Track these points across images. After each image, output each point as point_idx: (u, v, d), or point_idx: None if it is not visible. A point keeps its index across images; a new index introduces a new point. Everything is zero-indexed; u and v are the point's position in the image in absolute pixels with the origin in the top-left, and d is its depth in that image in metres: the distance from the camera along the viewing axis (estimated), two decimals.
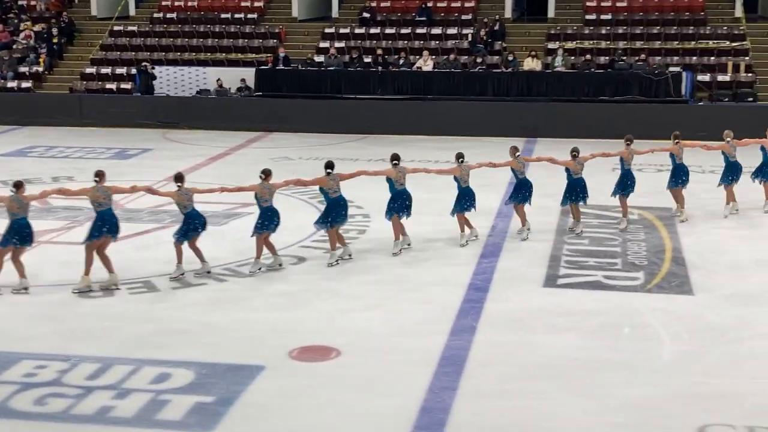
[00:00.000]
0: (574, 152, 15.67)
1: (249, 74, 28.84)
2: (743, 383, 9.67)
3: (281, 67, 28.86)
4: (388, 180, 14.61)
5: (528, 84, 27.14)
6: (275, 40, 30.91)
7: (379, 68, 28.39)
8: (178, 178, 13.42)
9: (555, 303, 12.38)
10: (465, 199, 15.03)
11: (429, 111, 26.63)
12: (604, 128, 24.39)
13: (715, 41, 28.26)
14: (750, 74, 26.99)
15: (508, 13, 30.74)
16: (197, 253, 13.36)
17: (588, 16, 30.03)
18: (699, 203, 17.45)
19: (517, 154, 15.56)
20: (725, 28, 28.74)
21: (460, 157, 15.16)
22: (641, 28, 29.21)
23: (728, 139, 16.98)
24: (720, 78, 26.89)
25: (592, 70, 27.39)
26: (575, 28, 29.70)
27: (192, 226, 13.19)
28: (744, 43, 27.99)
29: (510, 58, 28.14)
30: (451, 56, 28.43)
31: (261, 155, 23.66)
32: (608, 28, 29.43)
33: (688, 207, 16.85)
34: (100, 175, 12.84)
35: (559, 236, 15.67)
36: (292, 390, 9.46)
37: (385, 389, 9.50)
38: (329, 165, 14.01)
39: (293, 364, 10.30)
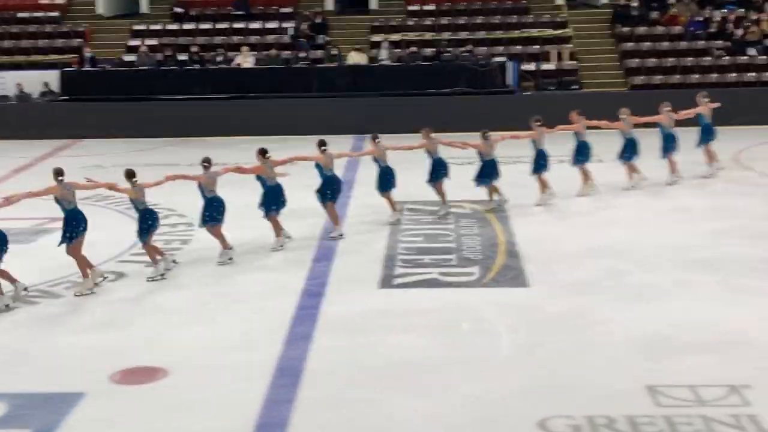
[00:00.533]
0: (485, 134, 17.10)
1: (53, 77, 27.90)
2: (581, 373, 9.98)
3: (88, 68, 28.10)
4: (318, 166, 15.34)
5: (354, 79, 27.32)
6: (80, 40, 30.08)
7: (196, 66, 28.01)
8: (130, 174, 13.55)
9: (392, 304, 12.48)
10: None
11: (252, 110, 26.45)
12: (433, 121, 24.72)
13: (538, 30, 29.17)
14: (573, 62, 28.03)
15: (329, 6, 30.91)
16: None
17: (411, 7, 30.51)
18: (532, 192, 17.93)
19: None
20: (547, 16, 29.76)
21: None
22: (465, 18, 29.87)
23: (624, 116, 18.41)
24: (544, 67, 27.80)
25: (419, 62, 27.80)
26: (399, 20, 30.12)
27: (149, 223, 13.57)
28: (566, 30, 29.03)
29: (334, 52, 28.30)
30: (273, 52, 28.33)
31: (71, 164, 22.86)
32: (432, 19, 29.98)
33: (523, 196, 17.46)
34: (61, 173, 13.02)
35: (393, 235, 15.82)
36: (115, 416, 9.17)
37: (218, 409, 9.33)
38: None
39: (116, 388, 9.94)
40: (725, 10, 29.05)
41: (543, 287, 12.99)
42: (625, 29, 28.96)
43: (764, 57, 27.67)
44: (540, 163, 17.59)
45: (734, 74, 27.44)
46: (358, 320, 11.84)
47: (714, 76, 27.37)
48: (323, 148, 15.53)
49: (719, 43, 28.26)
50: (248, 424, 8.93)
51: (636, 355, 10.44)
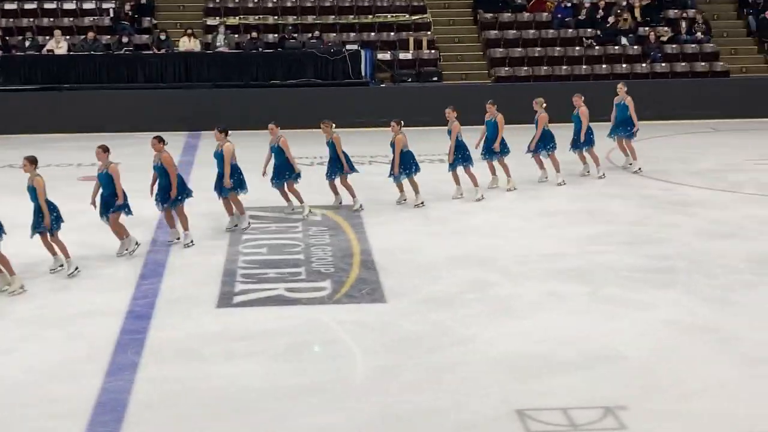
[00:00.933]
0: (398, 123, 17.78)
1: None
2: (446, 398, 10.02)
3: None
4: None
5: (186, 67, 26.97)
6: None
7: None
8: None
9: (231, 325, 12.18)
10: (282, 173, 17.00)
11: (67, 103, 25.84)
12: (278, 115, 24.78)
13: (394, 14, 29.35)
14: (433, 51, 28.31)
15: None
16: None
17: None
18: (386, 198, 18.08)
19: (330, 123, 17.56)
20: (404, 1, 29.88)
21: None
22: (312, 0, 29.77)
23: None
24: (402, 56, 27.99)
25: (260, 49, 27.65)
26: (237, 1, 29.82)
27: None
28: (425, 16, 29.31)
29: (162, 37, 27.86)
30: (90, 35, 27.69)
31: None
32: (275, 1, 29.79)
33: (380, 199, 17.63)
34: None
35: (233, 245, 15.60)
36: None
37: None
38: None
39: None
40: None
41: (402, 302, 12.95)
42: (489, 15, 29.47)
43: (637, 47, 28.56)
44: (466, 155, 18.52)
45: (605, 65, 28.22)
46: (192, 345, 11.52)
47: (584, 68, 28.12)
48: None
49: (589, 31, 29.04)
50: None
51: (503, 375, 10.52)
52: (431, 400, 10.00)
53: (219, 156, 16.17)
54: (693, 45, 28.74)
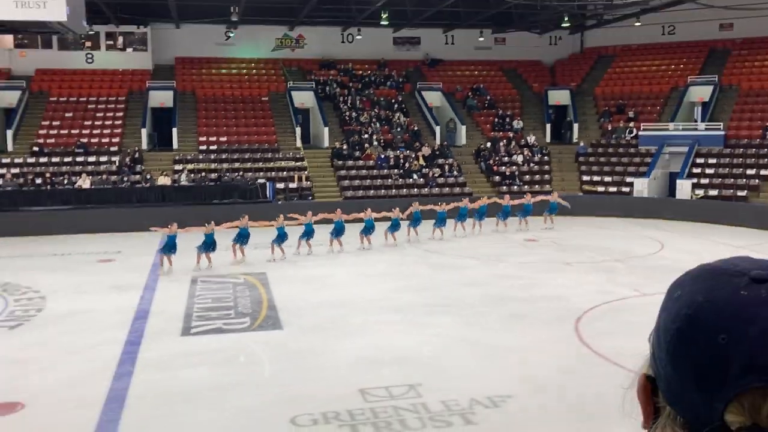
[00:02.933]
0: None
1: None
2: (317, 385, 9.92)
3: None
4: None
5: (162, 194, 26.32)
6: None
7: (48, 187, 26.02)
8: None
9: (190, 347, 11.85)
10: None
11: (90, 216, 24.82)
12: (218, 219, 24.48)
13: (285, 161, 29.43)
14: (308, 182, 28.43)
15: (144, 146, 29.68)
16: None
17: (201, 147, 29.88)
18: (284, 267, 17.91)
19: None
20: (291, 152, 30.04)
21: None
22: (238, 154, 29.62)
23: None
24: (291, 185, 27.99)
25: (207, 183, 27.21)
26: (193, 154, 29.41)
27: None
28: (303, 163, 29.45)
29: (148, 176, 27.18)
30: (104, 177, 26.82)
31: None
32: (216, 154, 29.50)
33: (292, 270, 17.35)
34: None
35: (190, 299, 15.15)
36: None
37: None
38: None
39: None
40: (398, 152, 30.54)
41: (292, 329, 12.84)
42: (340, 162, 29.82)
43: (422, 179, 29.30)
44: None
45: (404, 189, 28.83)
46: (166, 360, 11.18)
47: (393, 191, 28.61)
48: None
49: (395, 171, 29.66)
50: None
51: (352, 370, 10.51)
52: (311, 386, 9.90)
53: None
54: (451, 178, 29.58)
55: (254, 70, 34.52)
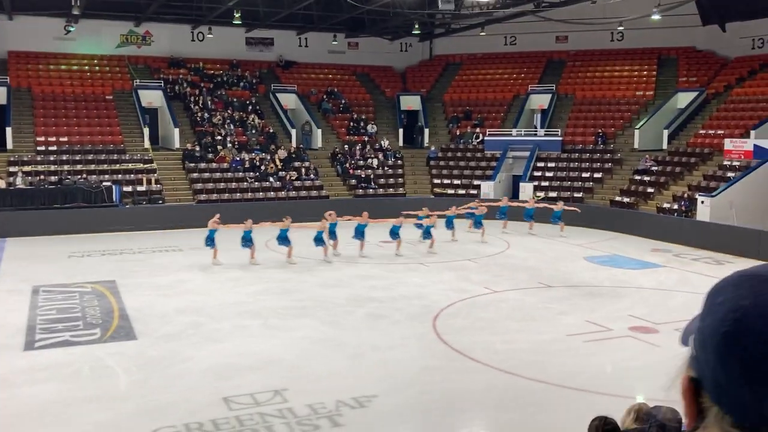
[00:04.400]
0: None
1: None
2: (177, 395, 9.57)
3: None
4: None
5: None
6: None
7: None
8: None
9: (35, 362, 11.01)
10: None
11: None
12: (59, 228, 22.99)
13: (133, 163, 28.09)
14: (158, 185, 27.30)
15: None
16: None
17: (39, 147, 27.83)
18: (131, 276, 17.08)
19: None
20: (138, 155, 28.70)
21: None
22: (80, 155, 27.86)
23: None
24: (139, 188, 26.75)
25: (46, 186, 25.36)
26: (30, 155, 27.31)
27: None
28: (153, 165, 28.26)
29: None
30: None
31: None
32: (56, 155, 27.59)
33: (142, 277, 16.50)
34: None
35: (32, 310, 14.06)
36: None
37: None
38: None
39: None
40: (253, 154, 30.03)
41: (146, 339, 12.27)
42: (192, 164, 28.88)
43: (279, 183, 28.99)
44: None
45: (260, 193, 28.43)
46: (8, 377, 10.28)
47: (249, 194, 28.13)
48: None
49: (251, 174, 29.17)
50: None
51: (213, 378, 10.23)
52: (171, 396, 9.54)
53: None
54: (308, 181, 29.53)
55: (97, 67, 32.64)
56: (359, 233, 20.27)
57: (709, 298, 0.83)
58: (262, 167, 29.40)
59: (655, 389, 10.16)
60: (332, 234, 20.18)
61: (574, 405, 9.22)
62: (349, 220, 21.06)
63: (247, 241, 18.93)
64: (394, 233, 20.59)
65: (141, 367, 10.81)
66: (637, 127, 29.92)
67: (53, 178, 25.94)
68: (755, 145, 24.32)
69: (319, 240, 19.48)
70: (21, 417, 8.84)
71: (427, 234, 21.23)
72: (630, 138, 30.12)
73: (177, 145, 29.69)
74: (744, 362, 0.75)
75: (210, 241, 18.60)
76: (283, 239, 19.20)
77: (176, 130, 29.81)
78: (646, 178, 27.43)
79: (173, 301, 15.03)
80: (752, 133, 25.30)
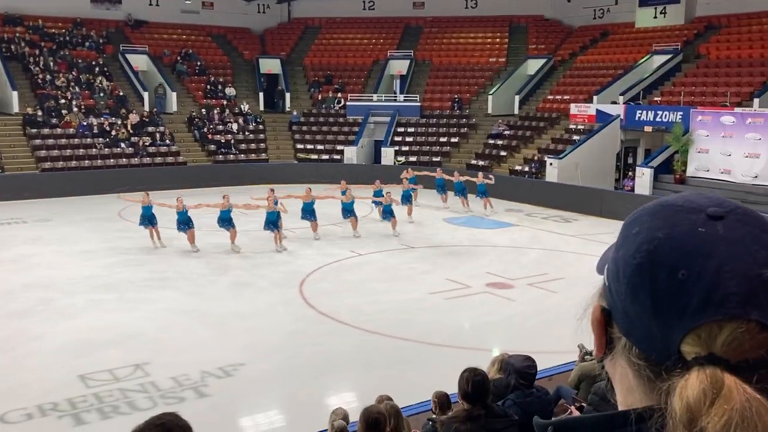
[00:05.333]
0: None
1: None
2: (28, 376, 9.00)
3: None
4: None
5: None
6: None
7: None
8: None
9: None
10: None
11: None
12: None
13: None
14: None
15: None
16: None
17: None
18: None
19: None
20: None
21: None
22: None
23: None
24: None
25: None
26: None
27: None
28: None
29: None
30: None
31: None
32: None
33: None
34: None
35: None
36: None
37: None
38: None
39: None
40: (102, 119, 28.24)
41: None
42: (34, 130, 26.75)
43: (131, 149, 27.56)
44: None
45: (111, 159, 26.90)
46: None
47: (99, 161, 26.54)
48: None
49: (100, 140, 27.48)
50: None
51: (68, 356, 9.68)
52: (20, 377, 8.96)
53: None
54: (163, 147, 28.28)
55: None
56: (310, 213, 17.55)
57: (625, 227, 0.82)
58: (113, 132, 27.81)
59: (510, 341, 10.74)
60: (347, 212, 17.93)
61: (439, 360, 9.55)
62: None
63: (182, 224, 16.00)
64: (348, 211, 18.07)
65: None
66: (491, 93, 31.03)
67: None
68: (597, 110, 25.98)
69: (272, 223, 16.37)
70: None
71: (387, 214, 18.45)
72: (484, 104, 31.22)
73: (16, 109, 27.39)
74: (655, 295, 0.75)
75: (226, 222, 16.02)
76: (225, 221, 16.28)
77: (14, 93, 27.46)
78: (500, 142, 28.61)
79: (18, 276, 13.98)
80: (595, 98, 26.96)
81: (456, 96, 31.82)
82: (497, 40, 34.69)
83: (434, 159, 29.08)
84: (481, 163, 27.80)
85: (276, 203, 16.48)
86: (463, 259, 15.88)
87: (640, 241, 0.78)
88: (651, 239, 0.77)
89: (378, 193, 19.80)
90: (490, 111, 30.69)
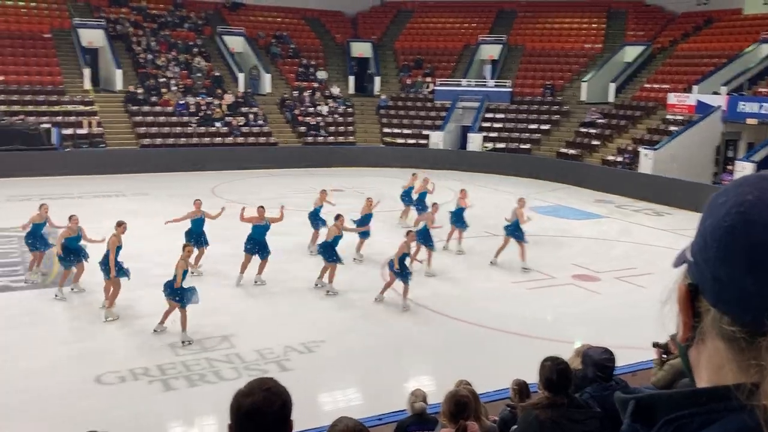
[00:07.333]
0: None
1: None
2: (122, 341, 9.46)
3: None
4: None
5: None
6: None
7: None
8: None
9: None
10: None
11: None
12: None
13: (72, 105, 27.08)
14: (99, 128, 26.47)
15: None
16: None
17: None
18: None
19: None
20: (79, 96, 27.65)
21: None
22: (17, 95, 26.64)
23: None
24: (79, 131, 25.88)
25: None
26: None
27: None
28: (94, 107, 27.33)
29: None
30: None
31: None
32: None
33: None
34: None
35: None
36: None
37: None
38: None
39: None
40: (199, 98, 29.24)
41: (90, 285, 11.93)
42: (135, 107, 27.97)
43: (226, 128, 28.41)
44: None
45: (206, 138, 27.82)
46: None
47: (194, 140, 27.52)
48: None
49: (195, 118, 28.46)
50: None
51: (158, 323, 10.09)
52: (114, 341, 9.32)
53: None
54: (256, 128, 29.00)
55: (33, 3, 31.07)
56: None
57: (710, 202, 0.84)
58: (208, 112, 28.73)
59: (593, 334, 10.49)
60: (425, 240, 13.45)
61: (516, 349, 9.45)
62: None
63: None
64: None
65: (84, 312, 10.62)
66: (585, 79, 30.20)
67: None
68: (698, 100, 24.86)
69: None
70: None
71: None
72: (577, 90, 30.41)
73: (119, 87, 28.70)
74: (751, 251, 0.76)
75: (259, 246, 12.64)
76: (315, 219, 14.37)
77: (119, 72, 28.77)
78: (592, 131, 27.84)
79: None
80: (695, 88, 25.81)
81: (548, 82, 31.15)
82: (594, 25, 33.68)
83: (523, 146, 28.62)
84: (572, 151, 27.16)
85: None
86: (548, 249, 15.60)
87: (729, 205, 0.79)
88: (741, 202, 0.78)
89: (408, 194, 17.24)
90: (583, 98, 29.90)
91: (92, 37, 29.85)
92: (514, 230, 14.20)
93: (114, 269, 10.39)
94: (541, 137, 29.09)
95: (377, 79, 33.56)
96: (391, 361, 9.18)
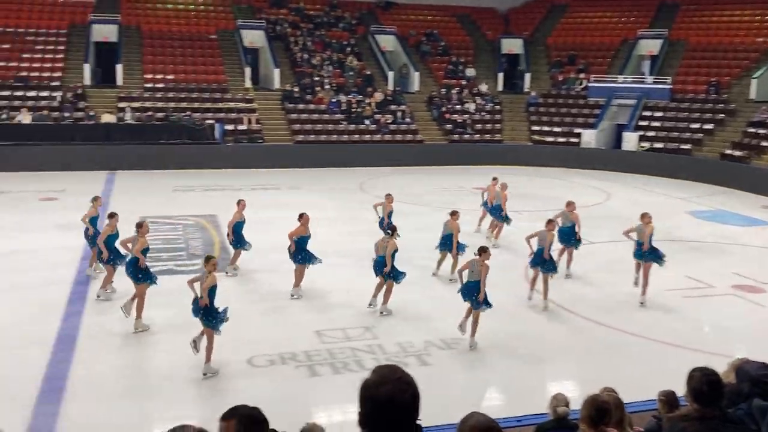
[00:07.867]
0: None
1: None
2: (273, 327, 9.93)
3: None
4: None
5: (107, 132, 25.50)
6: None
7: None
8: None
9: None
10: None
11: (30, 153, 23.87)
12: (165, 163, 24.10)
13: (234, 102, 28.79)
14: (258, 125, 27.94)
15: (87, 81, 28.46)
16: None
17: (147, 84, 28.87)
18: None
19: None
20: (240, 94, 29.32)
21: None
22: (185, 93, 28.75)
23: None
24: (240, 127, 27.46)
25: (153, 122, 26.41)
26: (138, 92, 28.40)
27: None
28: (253, 105, 28.88)
29: (91, 113, 26.26)
30: (45, 112, 25.77)
31: None
32: (162, 92, 28.56)
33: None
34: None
35: None
36: None
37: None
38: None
39: None
40: (350, 96, 30.10)
41: (244, 272, 12.73)
42: (290, 105, 29.29)
43: (374, 126, 29.08)
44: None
45: (356, 135, 28.59)
46: (116, 300, 10.89)
47: (345, 137, 28.37)
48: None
49: (346, 116, 29.28)
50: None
51: (307, 312, 10.58)
52: (265, 326, 9.83)
53: None
54: (403, 125, 29.44)
55: (202, 6, 33.36)
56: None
57: None
58: (358, 109, 29.50)
59: (755, 350, 9.75)
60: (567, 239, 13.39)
61: (665, 359, 8.99)
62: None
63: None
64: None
65: (239, 297, 11.27)
66: (755, 76, 28.00)
67: (160, 115, 26.96)
68: None
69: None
70: (129, 338, 9.46)
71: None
72: (746, 88, 28.26)
73: (277, 85, 30.15)
74: None
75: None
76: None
77: (276, 71, 30.24)
78: (762, 131, 25.78)
79: (270, 237, 15.34)
80: None
81: (713, 79, 29.19)
82: (766, 18, 31.13)
83: (683, 146, 27.04)
84: (737, 153, 25.31)
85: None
86: (707, 256, 14.67)
87: None
88: None
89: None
90: (752, 96, 27.75)
91: (253, 37, 31.56)
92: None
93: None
94: (703, 137, 27.34)
95: (527, 76, 32.96)
96: (531, 363, 9.03)
